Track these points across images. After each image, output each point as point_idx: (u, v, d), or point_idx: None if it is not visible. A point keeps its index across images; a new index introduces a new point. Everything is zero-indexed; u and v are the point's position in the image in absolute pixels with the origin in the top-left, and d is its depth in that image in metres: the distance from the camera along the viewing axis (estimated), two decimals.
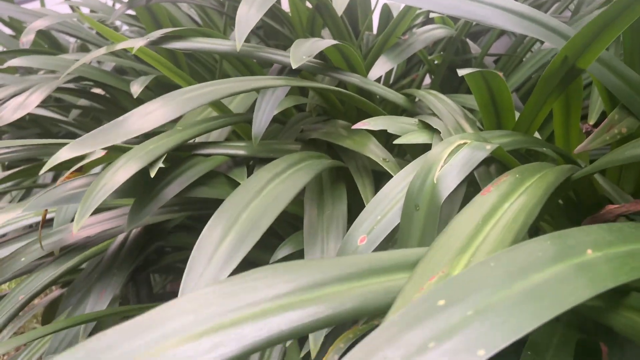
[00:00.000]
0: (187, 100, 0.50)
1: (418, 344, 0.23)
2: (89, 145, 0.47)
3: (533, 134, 0.58)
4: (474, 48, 0.96)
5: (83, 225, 0.71)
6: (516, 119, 0.59)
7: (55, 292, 1.12)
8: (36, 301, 1.30)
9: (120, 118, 0.49)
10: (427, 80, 1.02)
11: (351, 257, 0.31)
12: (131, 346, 0.25)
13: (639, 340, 0.34)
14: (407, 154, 0.77)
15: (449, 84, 0.94)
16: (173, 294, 0.95)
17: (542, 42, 1.07)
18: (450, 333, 0.23)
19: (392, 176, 0.51)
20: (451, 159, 0.45)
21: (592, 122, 0.69)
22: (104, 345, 0.25)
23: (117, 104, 1.01)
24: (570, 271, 0.27)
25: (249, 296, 0.28)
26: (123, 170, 0.51)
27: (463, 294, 0.25)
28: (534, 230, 0.66)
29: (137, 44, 0.59)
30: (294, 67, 0.51)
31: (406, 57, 0.71)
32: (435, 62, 0.86)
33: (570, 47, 0.46)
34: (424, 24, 0.97)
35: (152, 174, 0.53)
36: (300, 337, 0.27)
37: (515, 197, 0.36)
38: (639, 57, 0.60)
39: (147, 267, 0.84)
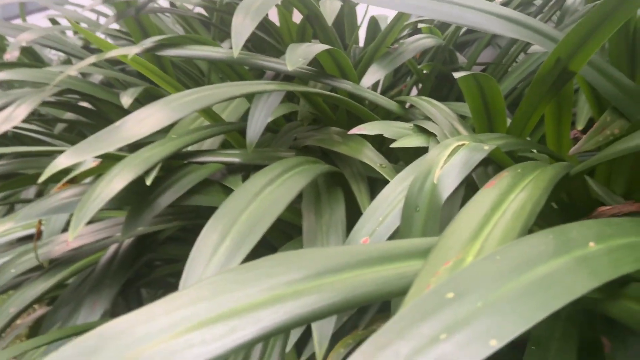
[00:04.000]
0: (183, 104, 0.50)
1: (429, 336, 0.23)
2: (87, 151, 0.46)
3: (525, 138, 0.59)
4: (461, 59, 0.98)
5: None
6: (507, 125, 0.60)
7: (39, 311, 1.09)
8: (19, 321, 1.26)
9: (117, 123, 0.48)
10: (414, 92, 1.03)
11: (362, 246, 0.32)
12: (143, 332, 0.25)
13: (637, 326, 0.35)
14: (399, 160, 0.77)
15: (437, 94, 0.95)
16: None
17: (526, 53, 1.09)
18: (461, 325, 0.23)
19: (386, 183, 0.51)
20: (450, 160, 0.45)
21: (580, 127, 0.70)
22: (115, 331, 0.25)
23: (104, 116, 1.00)
24: (575, 263, 0.27)
25: (262, 282, 0.28)
26: (119, 178, 0.51)
27: (471, 286, 0.25)
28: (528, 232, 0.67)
29: (131, 51, 0.58)
30: (290, 69, 0.51)
31: (397, 66, 0.72)
32: (424, 71, 0.88)
33: (562, 48, 0.47)
34: (411, 35, 0.99)
35: (149, 182, 0.52)
36: (317, 320, 0.27)
37: (519, 188, 0.37)
38: (625, 59, 0.61)
39: (136, 280, 0.83)
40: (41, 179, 0.46)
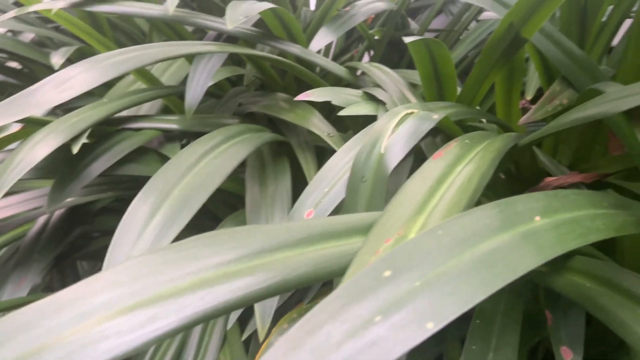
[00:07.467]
0: (114, 64, 0.46)
1: (363, 318, 0.21)
2: None
3: (475, 107, 0.58)
4: (413, 25, 0.95)
5: None
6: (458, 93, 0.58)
7: None
8: None
9: (34, 86, 0.44)
10: (366, 58, 1.01)
11: (303, 222, 0.29)
12: (53, 323, 0.22)
13: (582, 300, 0.34)
14: (348, 129, 0.75)
15: (389, 60, 0.92)
16: None
17: (477, 21, 1.08)
18: (397, 306, 0.22)
19: (334, 152, 0.49)
20: (398, 129, 0.43)
21: (529, 97, 0.70)
22: (21, 322, 0.22)
23: (36, 78, 0.93)
24: (519, 239, 0.26)
25: (189, 265, 0.25)
26: (42, 145, 0.46)
27: (410, 264, 0.24)
28: (475, 205, 0.66)
29: (56, 5, 0.53)
30: (229, 27, 0.48)
31: (348, 29, 0.69)
32: (376, 37, 0.85)
33: (515, 12, 0.46)
34: None
35: (75, 150, 0.48)
36: (248, 305, 0.25)
37: (467, 160, 0.35)
38: (575, 29, 0.61)
39: (72, 253, 0.79)
40: None
